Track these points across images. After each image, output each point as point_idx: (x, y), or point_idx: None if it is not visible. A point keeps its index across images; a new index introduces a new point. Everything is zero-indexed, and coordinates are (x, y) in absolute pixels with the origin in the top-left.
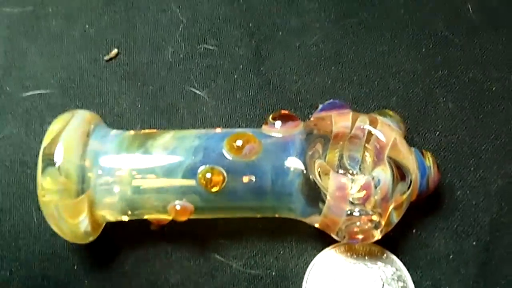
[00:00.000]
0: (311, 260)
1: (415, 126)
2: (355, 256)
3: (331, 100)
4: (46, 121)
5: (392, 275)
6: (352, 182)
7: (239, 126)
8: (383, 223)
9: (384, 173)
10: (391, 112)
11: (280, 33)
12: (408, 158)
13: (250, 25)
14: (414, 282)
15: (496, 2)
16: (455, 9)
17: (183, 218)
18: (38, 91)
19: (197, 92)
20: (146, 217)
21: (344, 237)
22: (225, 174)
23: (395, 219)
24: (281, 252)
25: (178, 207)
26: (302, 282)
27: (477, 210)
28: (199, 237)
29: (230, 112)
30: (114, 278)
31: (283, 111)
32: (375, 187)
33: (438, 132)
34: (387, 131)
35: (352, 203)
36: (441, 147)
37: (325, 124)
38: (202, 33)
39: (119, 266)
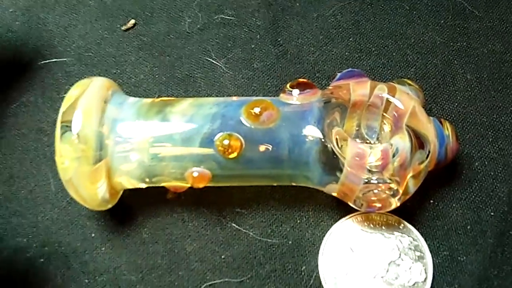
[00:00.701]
0: (328, 229)
1: (434, 97)
2: (372, 226)
3: (349, 69)
4: (63, 89)
5: (409, 244)
6: (370, 149)
7: (256, 96)
8: (400, 191)
9: (402, 141)
10: (409, 81)
11: (298, 4)
12: (427, 127)
13: None
14: (431, 251)
15: None
16: None
17: (201, 185)
18: (55, 59)
19: (214, 62)
20: (163, 184)
21: (362, 205)
22: (242, 140)
23: (413, 188)
24: (298, 222)
25: (195, 174)
26: (318, 251)
27: (495, 181)
28: (216, 206)
29: (247, 82)
30: (131, 245)
31: (301, 80)
32: (393, 155)
33: (456, 103)
34: (405, 99)
35: (370, 171)
36: (459, 118)
37: (343, 93)
38: (219, 3)
39: (136, 234)
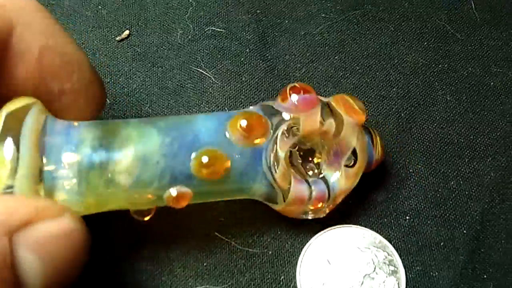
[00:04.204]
0: (307, 241)
1: (414, 116)
2: (349, 240)
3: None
4: None
5: (384, 259)
6: (310, 189)
7: (244, 108)
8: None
9: (337, 179)
10: (353, 100)
11: (287, 21)
12: (361, 147)
13: (258, 11)
14: (404, 266)
15: (498, 0)
16: (459, 5)
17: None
18: None
19: (204, 72)
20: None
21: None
22: (191, 193)
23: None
24: (279, 233)
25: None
26: (297, 262)
27: (469, 200)
28: (200, 215)
29: (235, 93)
30: (116, 251)
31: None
32: (329, 194)
33: (435, 124)
34: (349, 135)
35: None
36: (437, 138)
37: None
38: (210, 16)
39: (122, 239)
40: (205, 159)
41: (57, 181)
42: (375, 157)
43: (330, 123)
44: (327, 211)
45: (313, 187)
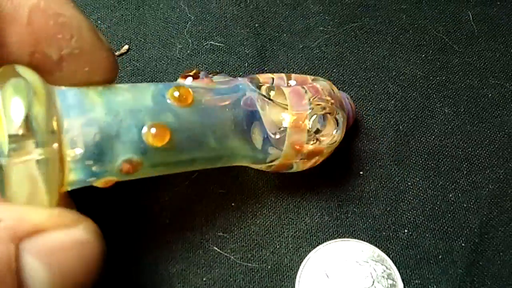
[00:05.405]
0: (306, 255)
1: (412, 129)
2: (347, 254)
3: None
4: None
5: (382, 273)
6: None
7: None
8: (340, 121)
9: (317, 83)
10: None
11: (285, 35)
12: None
13: (256, 25)
14: (403, 280)
15: (495, 11)
16: (456, 16)
17: (163, 140)
18: None
19: None
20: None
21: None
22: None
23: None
24: (277, 247)
25: (153, 131)
26: (296, 276)
27: (467, 212)
28: (199, 229)
29: None
30: (115, 266)
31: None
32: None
33: (434, 136)
34: (299, 76)
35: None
36: (436, 150)
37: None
38: (209, 31)
39: (121, 255)
40: (190, 77)
41: None
42: (348, 100)
43: (279, 74)
44: (340, 136)
45: (305, 87)
